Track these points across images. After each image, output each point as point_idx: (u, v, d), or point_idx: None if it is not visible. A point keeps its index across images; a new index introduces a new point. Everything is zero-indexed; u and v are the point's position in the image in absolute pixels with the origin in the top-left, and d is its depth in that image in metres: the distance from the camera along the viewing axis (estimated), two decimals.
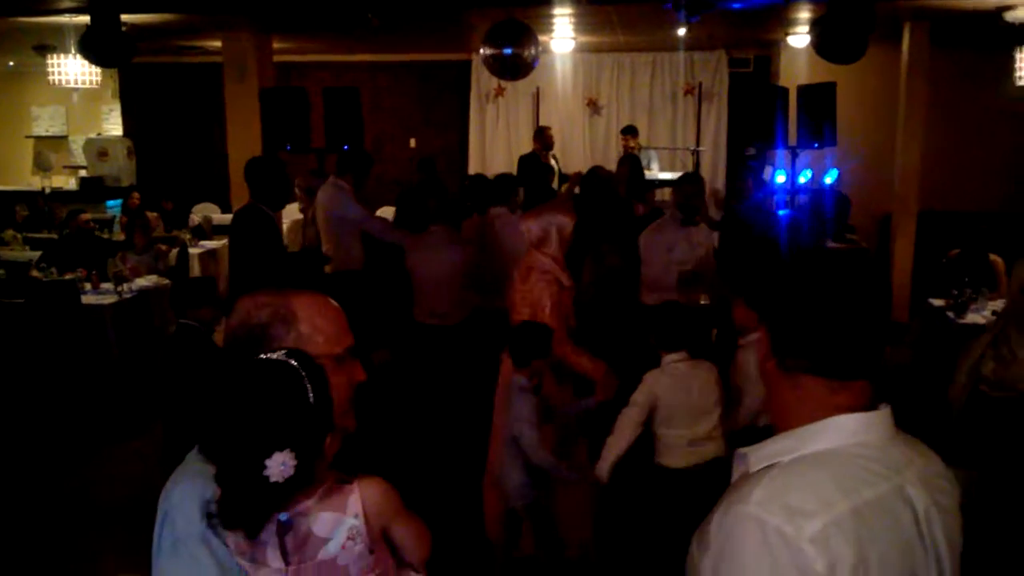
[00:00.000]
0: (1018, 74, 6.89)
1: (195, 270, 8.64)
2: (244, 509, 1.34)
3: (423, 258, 5.28)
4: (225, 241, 9.49)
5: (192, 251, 8.82)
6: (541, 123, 11.39)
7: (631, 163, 7.82)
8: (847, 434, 1.32)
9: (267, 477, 1.31)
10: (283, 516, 1.37)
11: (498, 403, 3.94)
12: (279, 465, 1.31)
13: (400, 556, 1.53)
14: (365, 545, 1.42)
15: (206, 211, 11.07)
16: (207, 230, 9.73)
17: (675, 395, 3.51)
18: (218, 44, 9.10)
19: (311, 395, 1.35)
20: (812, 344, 1.37)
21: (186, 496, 1.47)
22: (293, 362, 1.37)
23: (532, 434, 3.52)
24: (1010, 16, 7.33)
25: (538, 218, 4.01)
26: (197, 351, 4.18)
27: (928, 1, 7.49)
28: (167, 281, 7.24)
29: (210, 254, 9.19)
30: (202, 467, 1.46)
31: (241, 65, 8.70)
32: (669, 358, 3.58)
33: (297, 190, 7.70)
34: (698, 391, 3.50)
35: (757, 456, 1.37)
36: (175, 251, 8.35)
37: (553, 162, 9.72)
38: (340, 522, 1.39)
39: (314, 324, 1.53)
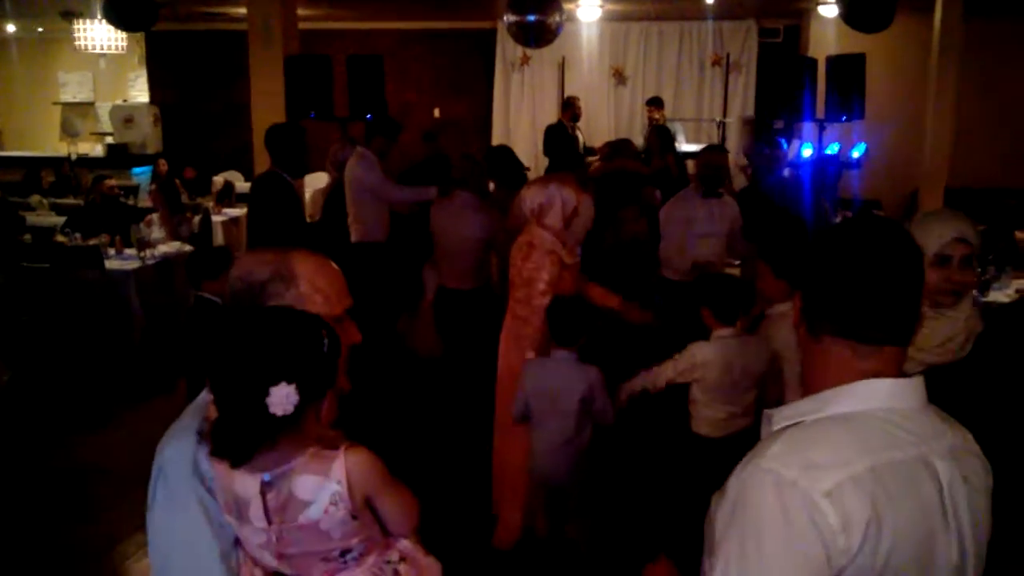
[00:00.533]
0: None
1: (218, 238, 8.70)
2: (236, 436, 1.37)
3: (447, 222, 5.20)
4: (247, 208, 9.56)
5: (215, 219, 8.88)
6: (566, 93, 11.32)
7: (659, 132, 7.76)
8: (874, 398, 1.31)
9: (267, 405, 1.34)
10: (266, 476, 1.41)
11: (507, 382, 3.87)
12: (282, 396, 1.35)
13: (385, 526, 1.54)
14: (347, 511, 1.44)
15: (230, 178, 11.13)
16: (230, 195, 9.77)
17: (717, 370, 3.41)
18: (243, 11, 9.07)
19: (325, 345, 1.40)
20: (837, 306, 1.36)
21: (178, 452, 1.51)
22: (316, 316, 1.44)
23: (608, 400, 3.52)
24: None
25: (543, 188, 3.85)
26: (215, 326, 4.20)
27: None
28: (190, 248, 7.30)
29: (233, 221, 9.25)
30: (191, 421, 1.51)
31: (267, 31, 8.68)
32: (720, 332, 3.45)
33: (328, 162, 7.72)
34: (741, 369, 3.39)
35: (780, 415, 1.38)
36: (198, 218, 8.40)
37: (579, 134, 9.66)
38: (322, 486, 1.42)
39: (314, 284, 1.56)
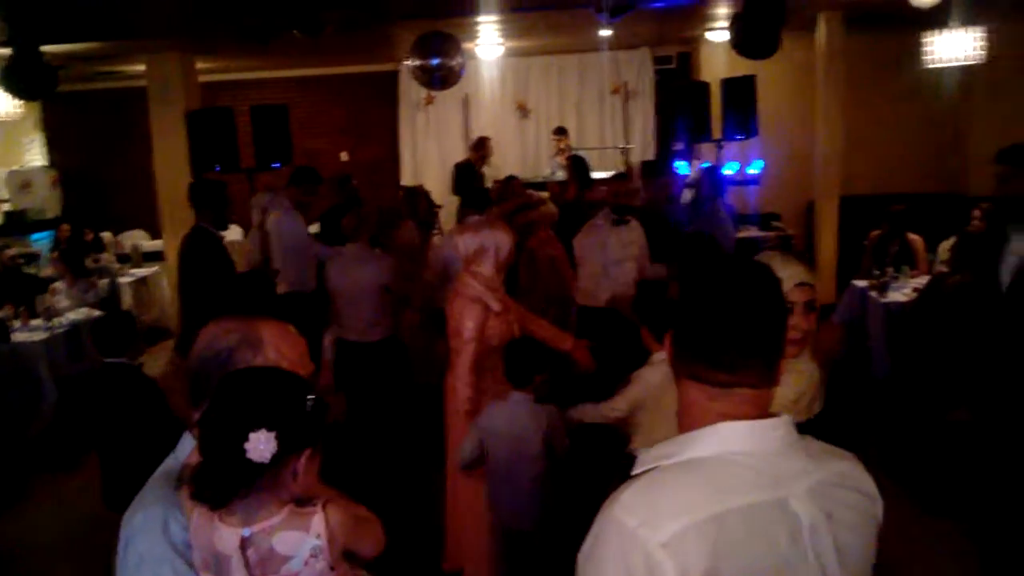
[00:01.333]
0: (927, 57, 7.15)
1: (127, 299, 8.50)
2: (215, 479, 1.41)
3: (337, 276, 5.18)
4: (156, 268, 9.38)
5: (122, 280, 8.68)
6: (471, 129, 11.48)
7: (575, 163, 7.92)
8: (728, 441, 1.29)
9: (245, 450, 1.38)
10: (246, 531, 1.44)
11: (455, 427, 3.83)
12: (260, 443, 1.38)
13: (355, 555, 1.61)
14: (327, 563, 1.49)
15: (135, 238, 10.89)
16: (136, 258, 9.58)
17: (664, 393, 3.37)
18: (141, 68, 8.98)
19: (309, 403, 1.46)
20: (686, 348, 1.36)
21: (149, 520, 1.54)
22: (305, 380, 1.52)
23: (565, 438, 3.50)
24: (916, 1, 7.62)
25: (476, 234, 3.81)
26: (130, 387, 4.13)
27: None
28: (98, 313, 7.12)
29: (141, 281, 9.06)
30: (160, 492, 1.55)
31: (166, 87, 8.59)
32: (660, 355, 3.34)
33: (253, 209, 7.67)
34: None
35: (642, 459, 1.35)
36: (105, 281, 8.20)
37: (485, 172, 9.81)
38: (303, 541, 1.46)
39: (279, 350, 1.63)
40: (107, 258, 9.27)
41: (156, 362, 8.11)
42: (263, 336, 1.62)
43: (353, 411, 5.11)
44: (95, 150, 12.16)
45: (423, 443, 4.46)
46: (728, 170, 8.44)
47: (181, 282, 5.55)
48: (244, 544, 1.44)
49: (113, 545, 1.60)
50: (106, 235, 10.41)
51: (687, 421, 1.36)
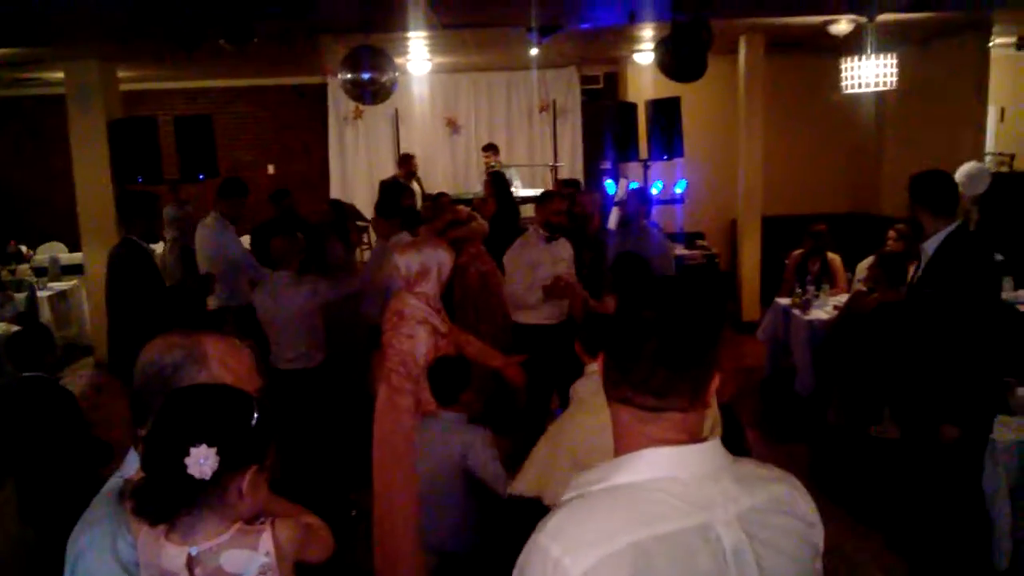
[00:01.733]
0: (844, 82, 7.44)
1: (45, 314, 8.22)
2: (155, 494, 1.39)
3: (267, 303, 5.05)
4: (75, 281, 9.09)
5: (41, 294, 8.39)
6: (401, 144, 11.47)
7: (494, 179, 7.98)
8: (654, 467, 1.28)
9: (186, 466, 1.36)
10: (193, 550, 1.43)
11: (385, 452, 3.74)
12: (200, 458, 1.37)
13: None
14: None
15: (52, 250, 10.53)
16: (52, 272, 9.27)
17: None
18: (60, 75, 8.71)
19: (254, 419, 1.44)
20: (610, 371, 1.36)
21: (96, 538, 1.51)
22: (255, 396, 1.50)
23: (496, 464, 3.36)
24: (834, 29, 7.93)
25: (418, 253, 3.73)
26: (49, 400, 4.02)
27: (760, 19, 8.02)
28: (17, 327, 6.87)
29: (60, 295, 8.77)
30: (107, 510, 1.52)
31: (86, 96, 8.35)
32: (593, 366, 3.23)
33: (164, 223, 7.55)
34: None
35: (572, 484, 1.34)
36: (23, 296, 7.92)
37: (416, 185, 9.80)
38: (251, 559, 1.45)
39: (225, 365, 1.60)
40: (23, 270, 8.95)
41: (75, 379, 7.87)
42: (208, 351, 1.59)
43: (288, 439, 5.03)
44: (11, 159, 11.74)
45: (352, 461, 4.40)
46: (654, 189, 8.61)
47: (110, 296, 5.38)
48: (191, 563, 1.42)
49: (36, 566, 1.57)
50: (22, 247, 10.05)
51: (619, 444, 1.35)
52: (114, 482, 1.58)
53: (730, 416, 3.14)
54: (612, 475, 1.29)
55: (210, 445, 1.37)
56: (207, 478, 1.38)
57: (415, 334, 3.61)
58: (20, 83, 10.38)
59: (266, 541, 1.46)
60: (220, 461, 1.38)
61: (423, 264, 3.69)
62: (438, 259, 3.71)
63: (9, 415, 4.07)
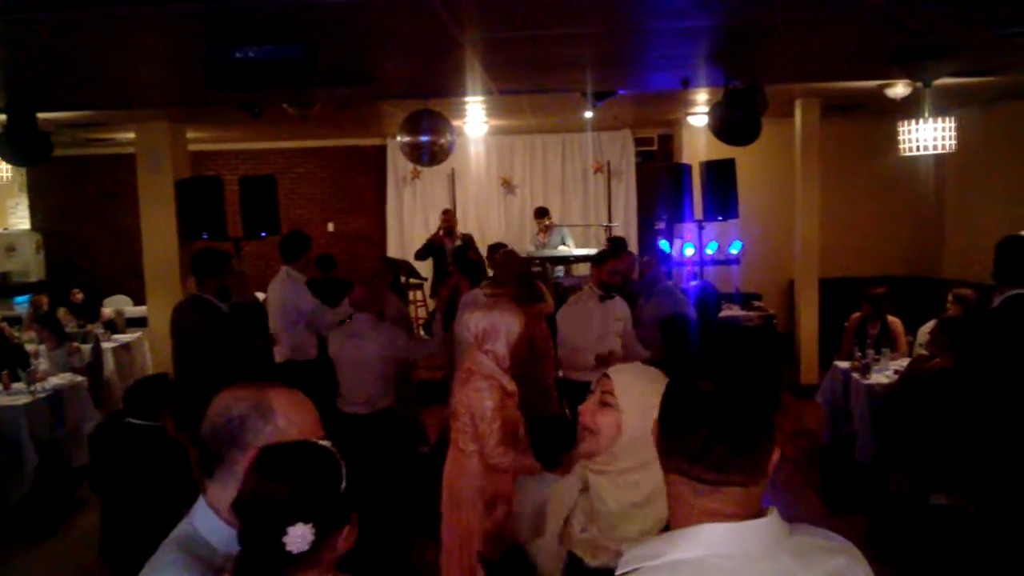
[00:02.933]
0: (902, 145, 7.37)
1: (110, 365, 8.44)
2: (256, 571, 1.41)
3: (344, 347, 5.22)
4: (139, 334, 9.33)
5: (105, 345, 8.62)
6: (457, 203, 11.65)
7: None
8: (711, 544, 1.25)
9: (284, 544, 1.39)
10: None
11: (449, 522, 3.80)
12: (298, 536, 1.39)
13: None
14: None
15: (118, 303, 10.85)
16: (119, 324, 9.53)
17: None
18: (131, 135, 9.07)
19: (343, 481, 1.47)
20: (666, 443, 1.32)
21: None
22: (335, 452, 1.50)
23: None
24: (891, 92, 7.89)
25: (487, 314, 3.83)
26: (157, 447, 4.10)
27: (816, 84, 8.03)
28: (81, 378, 7.07)
29: (124, 347, 9.00)
30: (176, 555, 1.53)
31: (155, 156, 8.67)
32: None
33: None
34: None
35: (630, 555, 1.31)
36: (88, 347, 8.15)
37: (455, 242, 9.95)
38: None
39: (290, 418, 1.63)
40: (93, 325, 9.24)
41: None
42: (273, 404, 1.62)
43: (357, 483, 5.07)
44: (81, 215, 12.19)
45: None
46: (709, 250, 8.60)
47: (178, 352, 5.46)
48: None
49: None
50: (106, 311, 10.36)
51: (674, 515, 1.33)
52: (182, 528, 1.60)
53: None
54: (668, 551, 1.27)
55: (306, 522, 1.40)
56: (305, 551, 1.41)
57: (483, 390, 3.65)
58: (92, 143, 10.82)
59: None
60: (316, 534, 1.41)
61: (491, 324, 3.77)
62: (506, 322, 3.78)
63: (116, 458, 4.17)
